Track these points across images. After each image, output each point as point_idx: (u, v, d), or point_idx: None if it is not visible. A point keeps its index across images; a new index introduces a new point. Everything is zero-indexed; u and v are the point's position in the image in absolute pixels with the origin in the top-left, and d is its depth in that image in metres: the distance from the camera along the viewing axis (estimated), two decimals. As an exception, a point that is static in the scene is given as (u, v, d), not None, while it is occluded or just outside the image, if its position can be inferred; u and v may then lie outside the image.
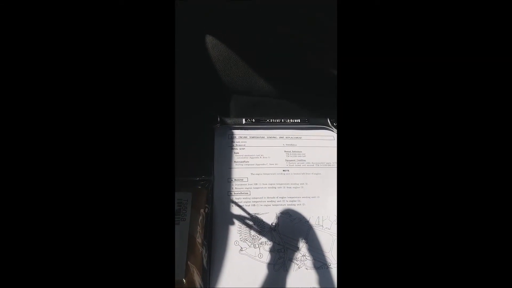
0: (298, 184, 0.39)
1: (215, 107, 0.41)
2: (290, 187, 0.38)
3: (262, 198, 0.37)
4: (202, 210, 0.33)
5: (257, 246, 0.34)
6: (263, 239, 0.34)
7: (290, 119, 0.42)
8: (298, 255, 0.34)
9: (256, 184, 0.38)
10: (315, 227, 0.36)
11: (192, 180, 0.35)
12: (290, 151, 0.41)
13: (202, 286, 0.30)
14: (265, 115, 0.42)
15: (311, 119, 0.43)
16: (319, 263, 0.34)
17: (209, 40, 0.39)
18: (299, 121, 0.43)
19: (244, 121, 0.41)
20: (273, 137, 0.42)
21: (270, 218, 0.36)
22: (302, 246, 0.35)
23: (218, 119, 0.39)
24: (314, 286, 0.33)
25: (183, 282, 0.29)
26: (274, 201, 0.37)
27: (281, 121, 0.42)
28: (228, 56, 0.40)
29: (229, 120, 0.40)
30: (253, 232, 0.35)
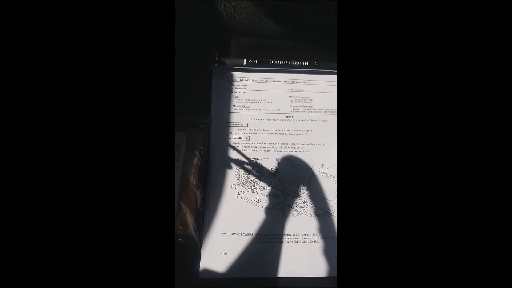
0: (302, 131, 0.36)
1: (214, 46, 0.37)
2: (293, 134, 0.35)
3: (262, 144, 0.35)
4: (197, 152, 0.31)
5: (255, 190, 0.32)
6: (262, 184, 0.33)
7: (297, 62, 0.38)
8: (299, 201, 0.32)
9: (256, 129, 0.35)
10: (318, 175, 0.33)
11: (187, 121, 0.33)
12: (295, 97, 0.38)
13: (195, 227, 0.29)
14: (269, 56, 0.38)
15: (321, 62, 0.39)
16: (321, 211, 0.32)
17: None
18: (307, 64, 0.39)
19: (245, 62, 0.37)
20: (277, 81, 0.38)
21: (270, 163, 0.34)
22: (303, 192, 0.33)
23: (216, 58, 0.36)
24: (314, 232, 0.31)
25: (176, 221, 0.28)
26: (275, 147, 0.34)
27: (287, 64, 0.38)
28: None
29: (228, 61, 0.37)
30: (251, 177, 0.33)
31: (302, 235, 0.31)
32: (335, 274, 0.30)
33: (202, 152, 0.32)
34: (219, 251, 0.29)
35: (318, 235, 0.31)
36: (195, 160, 0.31)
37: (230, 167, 0.33)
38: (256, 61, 0.37)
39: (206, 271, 0.28)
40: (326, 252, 0.30)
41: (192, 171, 0.31)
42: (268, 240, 0.30)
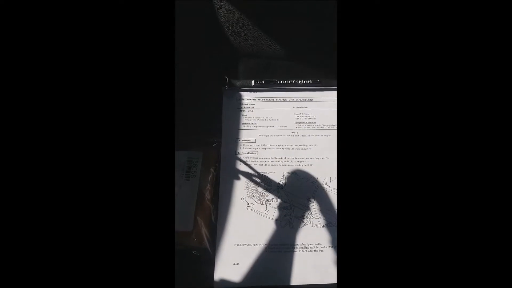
0: (307, 145, 0.38)
1: (224, 69, 0.40)
2: (299, 148, 0.38)
3: (269, 158, 0.37)
4: (212, 169, 0.34)
5: (264, 202, 0.35)
6: (270, 196, 0.35)
7: (301, 80, 0.41)
8: (305, 213, 0.34)
9: (264, 145, 0.38)
10: (322, 187, 0.36)
11: (202, 140, 0.36)
12: (300, 114, 0.40)
13: (209, 239, 0.31)
14: (275, 76, 0.41)
15: (323, 80, 0.41)
16: (325, 222, 0.34)
17: (217, 1, 0.38)
18: (310, 82, 0.41)
19: (253, 83, 0.40)
20: (283, 99, 0.41)
21: (277, 177, 0.36)
22: (309, 204, 0.35)
23: (227, 81, 0.39)
24: (319, 242, 0.33)
25: (192, 234, 0.31)
26: (282, 161, 0.37)
27: (291, 83, 0.41)
28: (237, 18, 0.38)
29: (237, 82, 0.40)
30: (260, 189, 0.35)
31: (308, 244, 0.33)
32: (340, 281, 0.32)
33: (216, 169, 0.34)
34: (232, 261, 0.32)
35: (323, 245, 0.33)
36: (210, 176, 0.34)
37: (240, 180, 0.35)
38: (263, 82, 0.40)
39: (220, 280, 0.31)
40: (331, 261, 0.33)
41: (207, 187, 0.33)
42: (277, 250, 0.33)
